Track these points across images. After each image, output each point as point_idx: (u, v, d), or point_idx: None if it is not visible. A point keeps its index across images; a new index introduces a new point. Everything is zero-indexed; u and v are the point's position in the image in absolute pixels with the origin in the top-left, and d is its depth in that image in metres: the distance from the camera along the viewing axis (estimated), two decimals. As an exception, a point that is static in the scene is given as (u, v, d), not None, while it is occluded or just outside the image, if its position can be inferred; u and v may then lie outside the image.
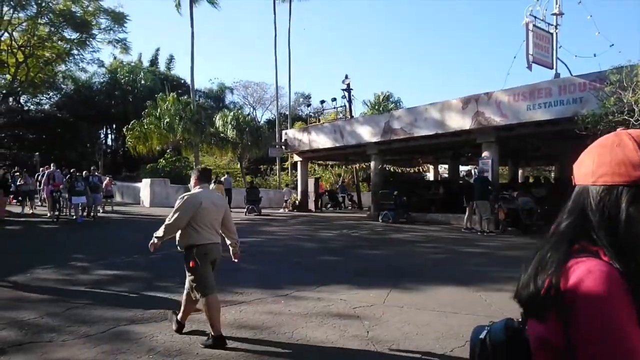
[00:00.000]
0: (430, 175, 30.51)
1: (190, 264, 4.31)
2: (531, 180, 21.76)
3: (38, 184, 18.21)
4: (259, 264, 8.42)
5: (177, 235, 4.39)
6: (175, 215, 4.26)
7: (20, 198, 17.69)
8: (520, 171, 28.62)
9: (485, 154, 15.33)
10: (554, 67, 14.78)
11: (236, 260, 4.82)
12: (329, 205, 27.00)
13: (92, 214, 15.96)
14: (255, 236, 12.86)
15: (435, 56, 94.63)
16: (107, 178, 19.77)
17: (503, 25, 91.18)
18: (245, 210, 21.31)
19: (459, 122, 15.46)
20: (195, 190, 4.49)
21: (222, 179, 23.21)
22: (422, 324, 4.81)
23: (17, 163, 27.99)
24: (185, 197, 4.37)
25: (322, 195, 27.80)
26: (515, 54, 15.11)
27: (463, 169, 26.26)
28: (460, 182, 19.51)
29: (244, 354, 4.00)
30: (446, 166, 29.35)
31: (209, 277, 4.32)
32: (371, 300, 5.74)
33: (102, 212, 17.69)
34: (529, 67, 14.49)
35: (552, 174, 32.96)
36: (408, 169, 29.18)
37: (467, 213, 14.11)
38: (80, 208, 15.19)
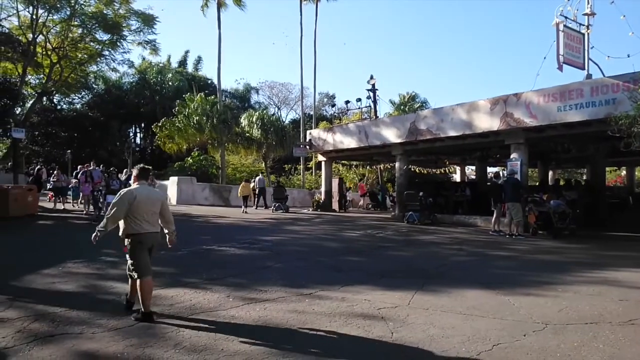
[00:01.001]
0: (457, 177, 30.09)
1: (124, 250, 4.99)
2: (562, 182, 21.25)
3: (78, 182, 18.21)
4: (283, 263, 8.44)
5: (120, 225, 4.94)
6: (114, 209, 4.85)
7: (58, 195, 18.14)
8: (550, 173, 27.98)
9: (513, 155, 15.02)
10: (586, 67, 14.39)
11: (170, 246, 5.36)
12: (369, 206, 27.12)
13: None
14: (280, 235, 12.94)
15: (463, 57, 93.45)
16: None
17: (533, 25, 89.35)
18: (272, 208, 21.79)
19: (486, 123, 15.19)
20: (134, 186, 5.13)
21: (256, 179, 24.30)
22: (447, 326, 4.74)
23: (50, 160, 28.85)
24: (122, 193, 4.97)
25: (363, 196, 27.98)
26: (546, 54, 14.71)
27: (491, 170, 25.82)
28: (488, 183, 19.20)
29: (268, 352, 4.01)
30: (473, 167, 28.91)
31: (143, 262, 4.89)
32: (396, 301, 5.68)
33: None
34: (560, 68, 14.15)
35: (584, 177, 32.13)
36: (434, 170, 28.86)
37: (495, 215, 13.85)
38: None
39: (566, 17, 14.47)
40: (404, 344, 4.21)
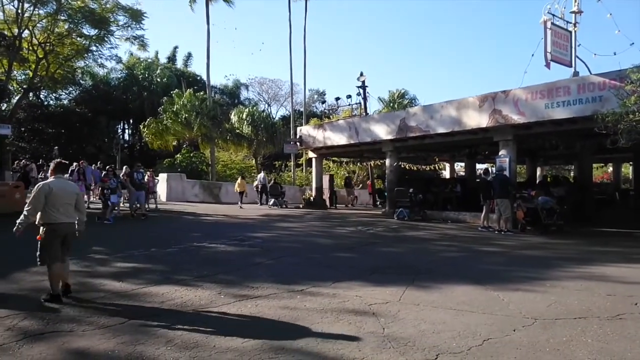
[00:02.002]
0: (446, 173, 30.29)
1: (37, 238, 5.33)
2: (550, 179, 21.47)
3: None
4: (274, 260, 8.44)
5: (37, 215, 5.32)
6: (31, 201, 5.30)
7: None
8: (538, 170, 28.27)
9: (502, 152, 15.15)
10: (573, 65, 14.57)
11: (77, 235, 5.70)
12: (378, 203, 27.29)
13: (137, 212, 14.78)
14: (270, 232, 12.93)
15: (452, 54, 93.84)
16: (148, 173, 18.12)
17: (521, 23, 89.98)
18: (269, 203, 22.59)
19: (475, 120, 15.30)
20: (50, 179, 5.55)
21: (259, 176, 24.89)
22: (438, 322, 4.78)
23: (37, 157, 28.48)
24: (38, 186, 5.42)
25: (371, 194, 28.07)
26: (533, 52, 14.89)
27: (480, 167, 26.03)
28: (478, 180, 19.36)
29: (260, 348, 4.02)
30: (462, 164, 29.12)
31: (53, 249, 5.32)
32: (387, 297, 5.72)
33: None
34: (547, 66, 14.31)
35: (571, 173, 32.52)
36: (424, 167, 29.02)
37: (484, 211, 13.98)
38: (112, 207, 14.12)
39: (554, 15, 14.64)
40: (395, 340, 4.23)
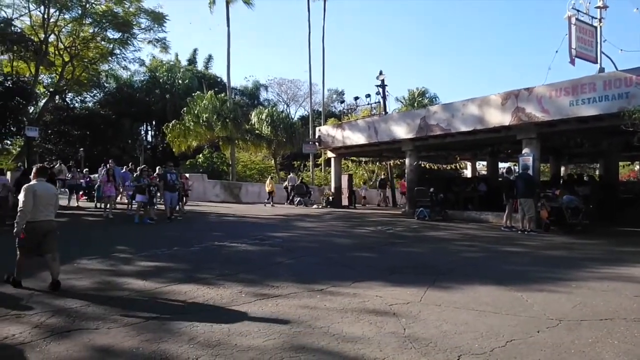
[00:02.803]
0: (467, 172, 29.91)
1: (21, 235, 5.82)
2: (574, 177, 21.02)
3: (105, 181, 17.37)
4: (294, 259, 8.47)
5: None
6: (23, 202, 5.78)
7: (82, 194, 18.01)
8: (562, 168, 27.70)
9: (525, 150, 14.90)
10: (598, 61, 14.21)
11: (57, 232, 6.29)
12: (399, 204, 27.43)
13: (173, 214, 14.46)
14: (290, 231, 12.97)
15: (472, 51, 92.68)
16: (184, 175, 17.86)
17: (544, 19, 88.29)
18: (295, 202, 23.43)
19: (498, 118, 15.08)
20: (33, 182, 6.05)
21: (288, 177, 26.03)
22: (460, 323, 4.72)
23: (63, 158, 29.15)
24: (25, 188, 5.91)
25: (403, 194, 28.13)
26: (557, 48, 14.60)
27: (502, 165, 25.64)
28: (500, 179, 19.08)
29: (281, 347, 4.04)
30: (484, 163, 28.72)
31: (28, 244, 5.87)
32: (408, 297, 5.68)
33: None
34: (572, 62, 14.01)
35: (597, 172, 31.78)
36: (444, 166, 28.72)
37: (507, 211, 13.75)
38: (140, 207, 13.95)
39: (578, 10, 14.31)
40: (416, 340, 4.20)
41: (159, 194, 14.67)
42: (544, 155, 19.60)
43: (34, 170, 6.28)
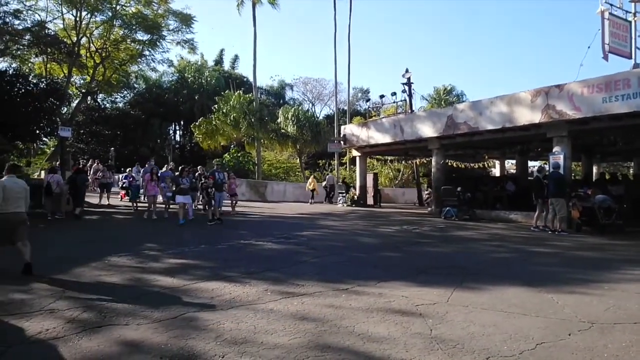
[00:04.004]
0: (496, 171, 29.37)
1: None
2: (607, 176, 20.40)
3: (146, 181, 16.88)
4: (319, 258, 8.48)
5: None
6: None
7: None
8: (594, 167, 26.90)
9: (556, 149, 14.54)
10: (633, 57, 13.77)
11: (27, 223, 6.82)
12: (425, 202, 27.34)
13: (216, 216, 13.73)
14: (315, 230, 13.00)
15: (500, 48, 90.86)
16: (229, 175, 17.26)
17: (576, 13, 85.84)
18: (341, 202, 23.94)
19: (527, 115, 14.75)
20: (4, 178, 6.68)
21: (327, 177, 26.82)
22: (488, 324, 4.64)
23: (94, 157, 29.94)
24: None
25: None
26: (590, 43, 14.21)
27: (532, 164, 25.07)
28: (531, 178, 18.68)
29: (306, 345, 4.05)
30: (513, 161, 28.15)
31: (2, 236, 6.48)
32: (434, 298, 5.61)
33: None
34: (605, 58, 13.64)
35: (631, 170, 30.74)
36: (472, 165, 28.27)
37: (537, 211, 13.41)
38: (185, 208, 13.42)
39: (611, 5, 13.93)
40: (443, 342, 4.15)
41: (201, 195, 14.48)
42: (575, 153, 19.10)
43: (6, 169, 6.95)
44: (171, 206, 15.38)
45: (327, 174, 27.16)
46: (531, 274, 7.28)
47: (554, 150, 14.61)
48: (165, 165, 18.51)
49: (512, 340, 4.20)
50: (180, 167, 15.14)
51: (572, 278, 6.94)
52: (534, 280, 6.69)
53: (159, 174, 15.15)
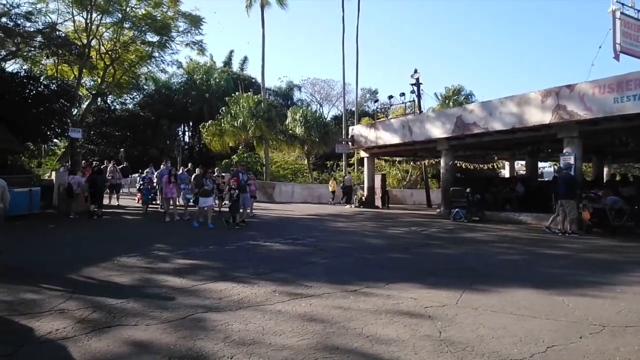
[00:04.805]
0: (505, 172, 29.18)
1: None
2: (618, 178, 20.18)
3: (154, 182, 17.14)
4: (327, 259, 8.47)
5: None
6: None
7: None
8: (605, 168, 26.63)
9: (567, 149, 14.40)
10: (645, 57, 13.59)
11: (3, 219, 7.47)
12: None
13: (241, 218, 13.32)
14: (323, 231, 12.98)
15: (510, 48, 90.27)
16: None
17: (586, 13, 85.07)
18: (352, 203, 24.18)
19: (538, 116, 14.63)
20: None
21: (345, 178, 26.79)
22: (498, 327, 4.60)
23: (105, 158, 30.19)
24: None
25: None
26: (601, 43, 14.03)
27: (542, 165, 24.87)
28: (542, 179, 18.52)
29: (315, 347, 4.04)
30: (523, 162, 27.94)
31: None
32: (443, 300, 5.58)
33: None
34: (616, 57, 13.48)
35: (643, 172, 30.40)
36: (481, 166, 28.11)
37: (556, 213, 13.20)
38: (207, 211, 13.08)
39: (623, 4, 13.76)
40: (452, 344, 4.12)
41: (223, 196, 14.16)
42: (586, 154, 18.91)
43: None
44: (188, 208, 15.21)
45: (346, 176, 27.11)
46: (541, 276, 7.21)
47: (564, 151, 14.47)
48: (181, 167, 18.51)
49: (523, 343, 4.16)
50: (204, 169, 14.49)
51: (583, 280, 6.87)
52: (544, 282, 6.62)
53: (177, 176, 14.72)
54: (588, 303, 5.55)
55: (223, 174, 15.25)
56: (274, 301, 5.51)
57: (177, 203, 14.87)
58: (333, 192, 25.04)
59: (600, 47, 14.02)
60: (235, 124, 31.49)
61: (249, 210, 15.10)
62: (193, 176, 14.49)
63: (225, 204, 14.92)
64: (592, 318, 4.89)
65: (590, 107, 13.23)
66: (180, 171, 16.73)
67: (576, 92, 13.57)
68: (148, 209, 16.26)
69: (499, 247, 10.44)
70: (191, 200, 14.71)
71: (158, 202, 17.12)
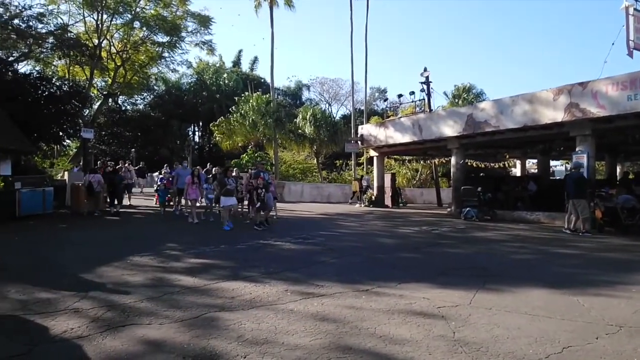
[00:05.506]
0: (517, 171, 28.95)
1: None
2: (631, 176, 19.91)
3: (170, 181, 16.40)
4: (337, 258, 8.46)
5: None
6: None
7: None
8: (618, 167, 26.32)
9: (579, 148, 14.25)
10: (660, 53, 13.40)
11: None
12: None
13: (267, 219, 12.99)
14: (333, 230, 12.98)
15: (520, 45, 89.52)
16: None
17: (599, 9, 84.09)
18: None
19: (550, 114, 14.49)
20: None
21: (365, 178, 26.03)
22: (513, 327, 4.55)
23: (115, 158, 30.46)
24: None
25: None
26: (614, 40, 13.86)
27: (554, 164, 24.63)
28: (553, 178, 18.34)
29: (328, 347, 4.03)
30: (535, 161, 27.69)
31: None
32: (456, 300, 5.54)
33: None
34: (630, 54, 13.34)
35: (657, 170, 29.96)
36: (493, 164, 27.91)
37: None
38: (230, 212, 12.65)
39: (636, 0, 13.56)
40: (467, 345, 4.08)
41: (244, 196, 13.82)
42: (599, 152, 18.70)
43: None
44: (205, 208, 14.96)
45: (366, 176, 26.99)
46: (555, 275, 7.14)
47: (577, 149, 14.32)
48: (197, 167, 18.49)
49: (538, 343, 4.11)
50: (225, 168, 14.07)
51: (597, 280, 6.79)
52: (558, 282, 6.55)
53: (199, 176, 14.29)
54: (603, 303, 5.48)
55: (241, 174, 14.72)
56: (286, 300, 5.51)
57: (199, 203, 14.48)
58: (355, 192, 24.72)
59: (613, 44, 13.91)
60: (245, 124, 31.59)
61: (273, 213, 14.65)
62: (211, 175, 14.37)
63: (244, 205, 14.57)
64: (608, 318, 4.83)
65: (604, 104, 13.08)
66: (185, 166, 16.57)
67: (589, 89, 13.42)
68: (165, 210, 15.94)
69: (511, 247, 10.35)
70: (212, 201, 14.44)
71: (172, 203, 17.04)
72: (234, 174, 14.45)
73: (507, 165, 28.74)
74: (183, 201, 15.57)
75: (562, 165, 33.65)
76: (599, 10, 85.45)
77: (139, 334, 4.35)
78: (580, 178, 12.84)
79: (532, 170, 29.33)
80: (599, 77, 13.55)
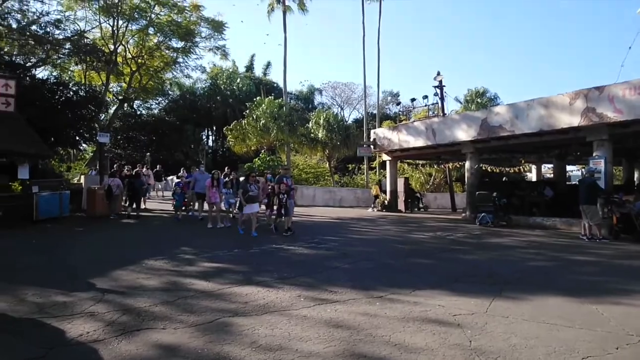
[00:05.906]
0: (532, 176, 28.57)
1: None
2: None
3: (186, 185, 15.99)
4: (351, 264, 8.41)
5: None
6: None
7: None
8: (636, 172, 25.84)
9: (596, 153, 14.02)
10: (679, 56, 13.16)
11: None
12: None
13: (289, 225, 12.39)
14: (346, 235, 12.92)
15: (536, 50, 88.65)
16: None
17: (616, 14, 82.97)
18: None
19: (566, 118, 14.29)
20: None
21: (382, 182, 26.22)
22: (530, 336, 4.47)
23: (131, 162, 30.75)
24: None
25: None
26: (631, 44, 13.67)
27: (570, 169, 24.29)
28: (569, 183, 18.06)
29: (342, 354, 4.00)
30: (550, 166, 27.33)
31: None
32: (472, 308, 5.46)
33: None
34: (648, 57, 13.08)
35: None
36: (507, 169, 27.60)
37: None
38: (252, 219, 12.09)
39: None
40: (484, 354, 4.02)
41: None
42: (616, 157, 18.41)
43: None
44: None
45: (383, 180, 26.94)
46: (572, 283, 7.01)
47: (594, 154, 14.10)
48: (217, 171, 18.37)
49: (557, 353, 4.03)
50: (248, 173, 13.73)
51: (616, 288, 6.66)
52: (576, 290, 6.44)
53: (219, 180, 14.12)
54: (623, 312, 5.37)
55: (258, 179, 14.43)
56: (299, 306, 5.49)
57: (220, 208, 14.21)
58: (376, 196, 24.32)
59: (630, 47, 13.72)
60: (257, 127, 31.72)
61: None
62: (227, 180, 14.39)
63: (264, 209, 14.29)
64: (629, 328, 4.72)
65: (621, 109, 12.88)
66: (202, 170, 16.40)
67: (605, 94, 13.21)
68: (181, 214, 15.83)
69: (527, 253, 10.20)
70: (234, 206, 14.09)
71: (189, 207, 16.96)
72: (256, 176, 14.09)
73: (522, 170, 28.40)
74: (197, 205, 15.65)
75: (578, 170, 33.23)
76: (616, 14, 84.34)
77: (154, 338, 4.36)
78: (591, 184, 12.64)
79: (548, 175, 28.95)
80: (615, 82, 13.35)
